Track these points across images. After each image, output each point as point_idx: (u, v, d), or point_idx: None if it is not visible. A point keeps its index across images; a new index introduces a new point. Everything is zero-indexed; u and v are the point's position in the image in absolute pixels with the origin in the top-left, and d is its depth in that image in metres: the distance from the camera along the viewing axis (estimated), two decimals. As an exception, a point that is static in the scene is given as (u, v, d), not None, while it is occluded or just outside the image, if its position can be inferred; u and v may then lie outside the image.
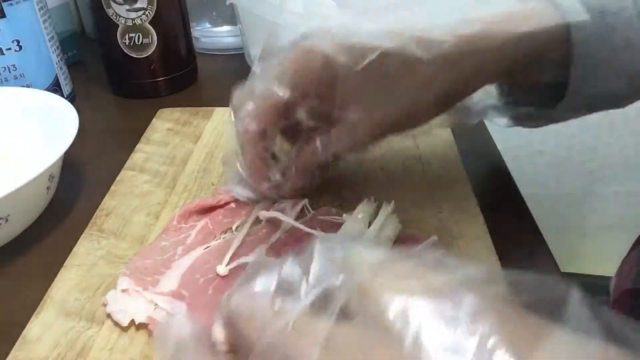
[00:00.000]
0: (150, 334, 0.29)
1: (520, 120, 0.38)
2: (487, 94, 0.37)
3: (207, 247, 0.34)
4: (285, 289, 0.20)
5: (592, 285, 0.54)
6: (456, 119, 0.36)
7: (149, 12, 0.53)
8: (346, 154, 0.35)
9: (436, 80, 0.32)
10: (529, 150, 1.03)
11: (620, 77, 0.34)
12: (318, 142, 0.33)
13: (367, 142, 0.34)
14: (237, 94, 0.35)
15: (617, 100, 0.36)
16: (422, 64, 0.30)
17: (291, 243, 0.34)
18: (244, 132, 0.34)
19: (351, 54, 0.31)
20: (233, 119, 0.35)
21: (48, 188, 0.38)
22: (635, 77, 0.35)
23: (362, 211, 0.34)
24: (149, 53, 0.55)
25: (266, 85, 0.33)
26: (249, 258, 0.33)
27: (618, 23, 0.33)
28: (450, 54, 0.30)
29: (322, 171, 0.37)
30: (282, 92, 0.32)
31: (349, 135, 0.33)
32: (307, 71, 0.32)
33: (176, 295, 0.31)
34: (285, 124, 0.34)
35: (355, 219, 0.34)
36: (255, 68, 0.35)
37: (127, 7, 0.52)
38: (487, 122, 0.50)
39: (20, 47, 0.50)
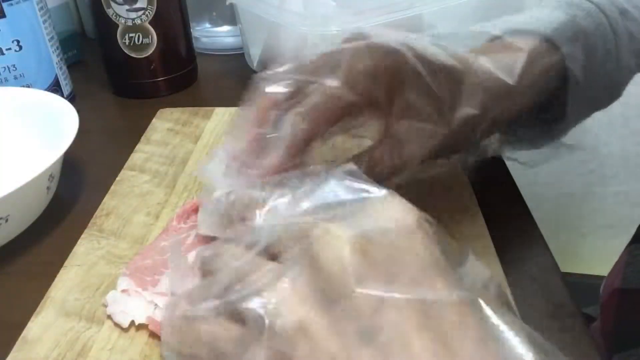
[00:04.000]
0: (150, 334, 0.29)
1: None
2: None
3: (207, 247, 0.34)
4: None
5: (588, 286, 0.55)
6: (476, 154, 0.36)
7: (149, 12, 0.53)
8: (390, 175, 0.30)
9: (486, 109, 0.30)
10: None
11: (609, 86, 0.36)
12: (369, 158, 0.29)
13: (413, 162, 0.30)
14: (270, 76, 0.28)
15: (608, 102, 0.38)
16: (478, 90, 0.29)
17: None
18: (292, 132, 0.27)
19: (424, 62, 0.28)
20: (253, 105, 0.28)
21: (48, 188, 0.38)
22: (618, 82, 0.36)
23: None
24: (149, 53, 0.55)
25: (324, 80, 0.27)
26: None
27: (597, 39, 0.34)
28: (493, 98, 0.30)
29: None
30: (346, 92, 0.26)
31: (396, 152, 0.29)
32: (376, 71, 0.27)
33: (176, 295, 0.31)
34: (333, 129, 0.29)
35: None
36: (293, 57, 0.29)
37: (127, 7, 0.52)
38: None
39: (20, 47, 0.50)
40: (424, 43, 0.28)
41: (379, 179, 0.26)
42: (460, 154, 0.34)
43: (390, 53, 0.27)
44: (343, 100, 0.27)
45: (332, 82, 0.26)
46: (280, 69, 0.28)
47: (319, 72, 0.27)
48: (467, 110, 0.29)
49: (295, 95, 0.28)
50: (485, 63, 0.30)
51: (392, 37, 0.28)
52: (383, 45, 0.27)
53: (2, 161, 0.43)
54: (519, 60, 0.31)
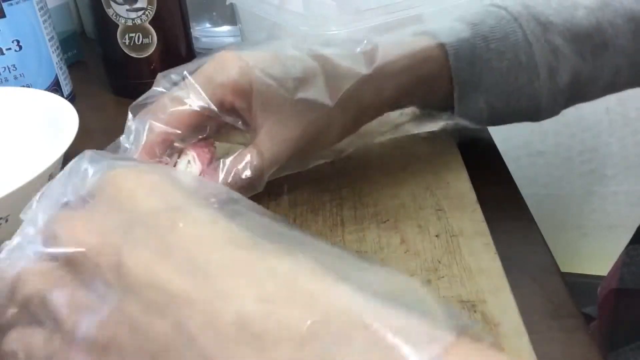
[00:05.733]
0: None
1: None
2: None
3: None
4: None
5: (588, 286, 0.55)
6: (362, 140, 0.39)
7: (149, 12, 0.53)
8: (259, 174, 0.33)
9: (340, 115, 0.33)
10: (529, 150, 1.04)
11: (519, 97, 0.38)
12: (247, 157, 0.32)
13: (278, 161, 0.33)
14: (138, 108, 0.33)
15: (531, 115, 0.39)
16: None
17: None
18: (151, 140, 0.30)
19: (267, 67, 0.31)
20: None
21: (48, 188, 0.38)
22: (534, 96, 0.38)
23: None
24: (149, 53, 0.55)
25: (180, 95, 0.31)
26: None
27: (505, 47, 0.36)
28: (353, 90, 0.32)
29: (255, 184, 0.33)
30: (199, 101, 0.30)
31: (260, 155, 0.32)
32: (224, 77, 0.31)
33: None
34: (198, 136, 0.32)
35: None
36: (156, 86, 0.33)
37: (127, 7, 0.52)
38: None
39: (20, 47, 0.50)
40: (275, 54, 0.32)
41: (254, 181, 0.31)
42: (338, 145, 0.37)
43: (242, 69, 0.31)
44: (202, 108, 0.30)
45: (187, 94, 0.30)
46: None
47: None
48: (321, 103, 0.32)
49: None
50: (340, 60, 0.33)
51: (244, 57, 0.31)
52: (234, 63, 0.31)
53: (2, 161, 0.43)
54: (378, 52, 0.33)
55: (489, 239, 0.34)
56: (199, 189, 0.22)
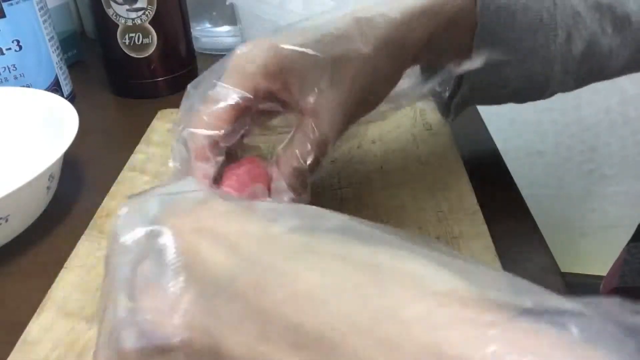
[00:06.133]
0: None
1: (442, 109, 0.39)
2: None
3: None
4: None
5: (588, 286, 0.55)
6: (398, 103, 0.37)
7: (149, 12, 0.53)
8: (320, 154, 0.31)
9: (383, 64, 0.32)
10: (529, 150, 1.04)
11: (533, 58, 0.35)
12: (296, 139, 0.30)
13: (333, 131, 0.31)
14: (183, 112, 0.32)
15: (541, 83, 0.37)
16: (367, 49, 0.30)
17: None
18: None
19: (297, 39, 0.30)
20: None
21: (48, 188, 0.38)
22: (548, 60, 0.35)
23: None
24: (149, 53, 0.55)
25: (212, 94, 0.30)
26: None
27: (533, 1, 0.34)
28: (388, 34, 0.31)
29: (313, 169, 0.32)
30: (235, 93, 0.29)
31: (314, 129, 0.30)
32: (252, 65, 0.30)
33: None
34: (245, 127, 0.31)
35: None
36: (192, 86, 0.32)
37: (127, 7, 0.52)
38: (486, 123, 0.50)
39: (20, 47, 0.50)
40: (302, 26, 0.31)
41: (313, 164, 0.29)
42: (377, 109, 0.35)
43: (268, 50, 0.29)
44: (240, 101, 0.29)
45: (223, 87, 0.29)
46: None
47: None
48: (357, 53, 0.30)
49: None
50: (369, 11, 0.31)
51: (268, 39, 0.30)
52: (259, 47, 0.30)
53: (2, 161, 0.43)
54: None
55: (489, 241, 0.34)
56: (269, 214, 0.21)
